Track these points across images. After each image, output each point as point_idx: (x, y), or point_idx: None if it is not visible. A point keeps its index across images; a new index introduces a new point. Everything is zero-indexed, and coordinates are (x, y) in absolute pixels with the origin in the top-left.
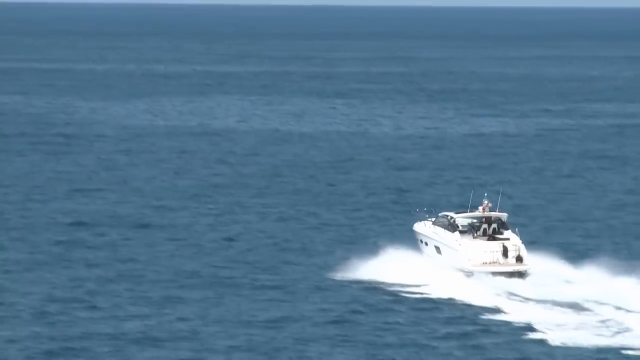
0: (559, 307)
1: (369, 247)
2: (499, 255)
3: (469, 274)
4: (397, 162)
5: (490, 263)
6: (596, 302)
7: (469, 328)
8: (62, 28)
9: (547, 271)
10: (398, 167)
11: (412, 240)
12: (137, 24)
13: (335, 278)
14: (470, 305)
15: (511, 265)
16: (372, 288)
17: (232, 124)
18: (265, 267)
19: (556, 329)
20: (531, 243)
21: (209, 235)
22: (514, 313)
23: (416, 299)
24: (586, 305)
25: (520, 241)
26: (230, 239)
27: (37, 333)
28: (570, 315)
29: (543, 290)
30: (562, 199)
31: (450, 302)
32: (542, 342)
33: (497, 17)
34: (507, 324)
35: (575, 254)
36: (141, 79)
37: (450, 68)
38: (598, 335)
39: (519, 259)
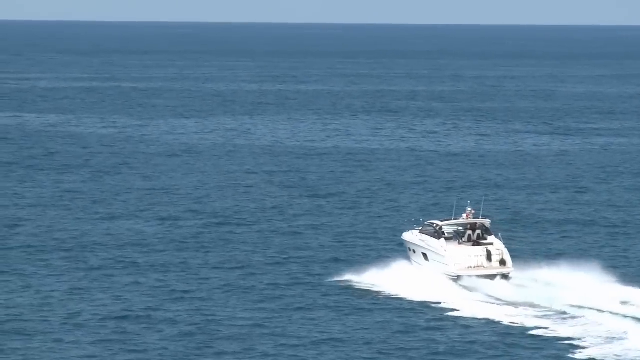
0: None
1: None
2: (483, 259)
3: (455, 278)
4: (439, 180)
5: (475, 267)
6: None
7: (523, 344)
8: (110, 46)
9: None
10: (440, 186)
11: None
12: (182, 43)
13: (381, 296)
14: (502, 321)
15: (495, 269)
16: (408, 305)
17: (282, 142)
18: (315, 286)
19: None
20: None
21: (259, 255)
22: (559, 329)
23: (455, 316)
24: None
25: (503, 245)
26: (279, 259)
27: (89, 352)
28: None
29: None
30: (615, 216)
31: (490, 320)
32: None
33: (544, 35)
34: (555, 340)
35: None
36: (190, 97)
37: (499, 85)
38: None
39: (503, 262)
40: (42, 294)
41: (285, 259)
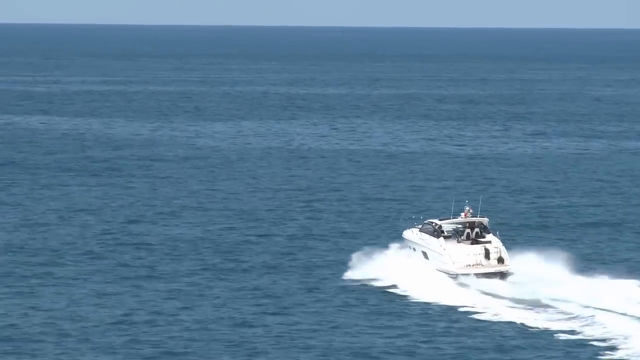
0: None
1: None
2: (482, 257)
3: (454, 276)
4: (467, 184)
5: (473, 265)
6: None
7: (552, 346)
8: (136, 49)
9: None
10: (467, 189)
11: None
12: (202, 45)
13: (410, 301)
14: (516, 323)
15: (493, 267)
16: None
17: (309, 145)
18: (346, 290)
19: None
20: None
21: (288, 258)
22: (587, 331)
23: (480, 319)
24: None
25: (501, 243)
26: (309, 263)
27: (120, 354)
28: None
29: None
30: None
31: (513, 323)
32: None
33: (571, 38)
34: (586, 341)
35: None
36: (219, 100)
37: (527, 88)
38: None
39: (501, 260)
40: (72, 297)
41: (313, 262)
